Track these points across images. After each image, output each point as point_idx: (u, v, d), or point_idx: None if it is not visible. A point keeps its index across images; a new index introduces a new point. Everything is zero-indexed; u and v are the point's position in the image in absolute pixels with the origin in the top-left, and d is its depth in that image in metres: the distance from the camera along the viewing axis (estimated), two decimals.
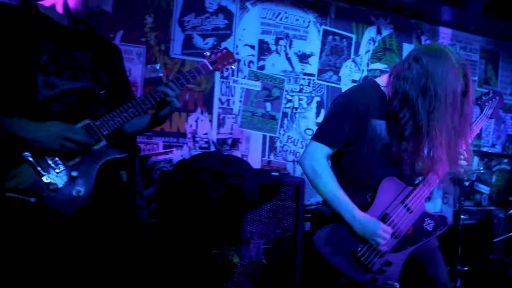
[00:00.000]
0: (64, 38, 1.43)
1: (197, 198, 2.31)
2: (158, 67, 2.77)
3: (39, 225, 1.33)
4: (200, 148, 2.90)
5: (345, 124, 1.55)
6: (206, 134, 2.91)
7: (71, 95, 1.42)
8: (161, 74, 2.77)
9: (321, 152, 1.56)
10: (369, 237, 1.49)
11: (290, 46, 3.16)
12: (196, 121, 2.88)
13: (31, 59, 1.33)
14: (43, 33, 1.38)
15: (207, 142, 2.92)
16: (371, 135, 1.55)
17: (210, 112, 2.92)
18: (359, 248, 1.52)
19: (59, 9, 1.43)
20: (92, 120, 1.41)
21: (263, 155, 3.10)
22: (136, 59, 2.71)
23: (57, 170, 1.34)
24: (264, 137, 3.10)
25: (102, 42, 1.61)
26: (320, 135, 1.59)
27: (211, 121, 2.92)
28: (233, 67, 1.75)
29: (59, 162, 1.35)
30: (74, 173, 1.35)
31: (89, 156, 1.39)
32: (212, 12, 2.91)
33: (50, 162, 1.33)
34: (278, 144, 3.15)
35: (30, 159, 1.30)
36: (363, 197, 1.58)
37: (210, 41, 2.90)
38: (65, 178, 1.34)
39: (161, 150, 2.80)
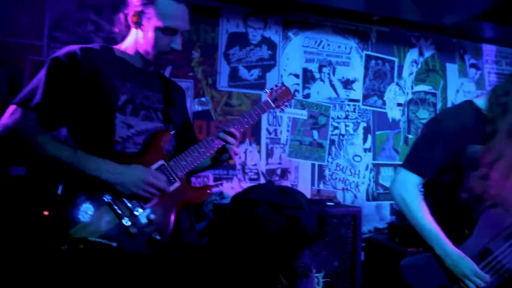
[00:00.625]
0: (138, 79, 1.46)
1: (253, 232, 2.25)
2: (206, 100, 2.79)
3: (118, 268, 1.30)
4: (250, 179, 2.86)
5: (437, 151, 1.45)
6: (255, 165, 2.88)
7: (145, 135, 1.42)
8: (209, 107, 2.79)
9: (411, 180, 1.48)
10: (460, 277, 1.38)
11: (333, 73, 3.14)
12: (245, 152, 2.86)
13: (111, 100, 1.35)
14: (120, 74, 1.41)
15: (256, 173, 2.88)
16: (469, 163, 1.43)
17: (258, 142, 2.89)
18: (449, 285, 1.41)
19: (131, 51, 1.47)
20: (165, 160, 1.39)
21: (312, 184, 3.03)
22: None
23: (136, 213, 1.32)
24: (313, 165, 3.04)
25: (169, 83, 1.64)
26: (410, 163, 1.51)
27: (259, 151, 2.90)
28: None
29: (137, 204, 1.33)
30: (152, 216, 1.33)
31: (165, 198, 1.37)
32: (256, 44, 2.94)
33: (129, 205, 1.32)
34: (327, 172, 3.08)
35: (111, 202, 1.29)
36: (460, 229, 1.47)
37: (255, 72, 2.91)
38: (143, 221, 1.32)
39: (211, 183, 2.77)
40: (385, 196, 3.22)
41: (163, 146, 1.43)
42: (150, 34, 1.39)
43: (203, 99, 2.79)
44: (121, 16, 1.47)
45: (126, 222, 1.29)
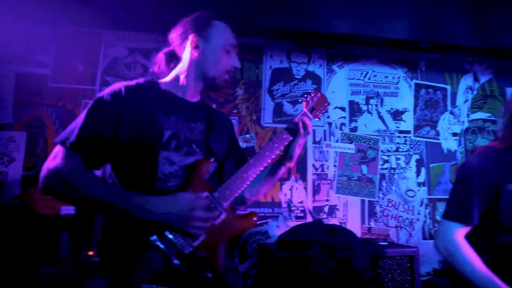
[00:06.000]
0: (183, 111, 1.43)
1: (303, 274, 2.13)
2: (250, 137, 2.77)
3: None
4: (296, 217, 2.76)
5: (474, 197, 1.36)
6: (301, 202, 2.78)
7: (186, 170, 1.37)
8: (253, 144, 2.76)
9: (452, 230, 1.38)
10: None
11: (381, 104, 3.02)
12: (291, 189, 2.77)
13: (156, 137, 1.33)
14: (165, 108, 1.39)
15: (302, 211, 2.78)
16: (509, 203, 1.32)
17: (304, 179, 2.81)
18: None
19: (183, 81, 1.46)
20: (209, 191, 1.34)
21: (362, 221, 2.87)
22: None
23: (185, 252, 1.26)
24: (363, 202, 2.89)
25: (213, 112, 1.60)
26: (449, 212, 1.43)
27: (305, 188, 2.80)
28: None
29: (185, 243, 1.27)
30: (201, 254, 1.27)
31: (213, 232, 1.30)
32: (300, 79, 2.91)
33: (177, 244, 1.26)
34: (378, 208, 2.90)
35: (158, 243, 1.24)
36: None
37: (300, 107, 2.87)
38: (193, 260, 1.26)
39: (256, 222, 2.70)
40: None
41: (205, 177, 1.37)
42: (214, 54, 1.41)
43: (247, 135, 2.77)
44: (160, 55, 1.50)
45: (175, 263, 1.24)
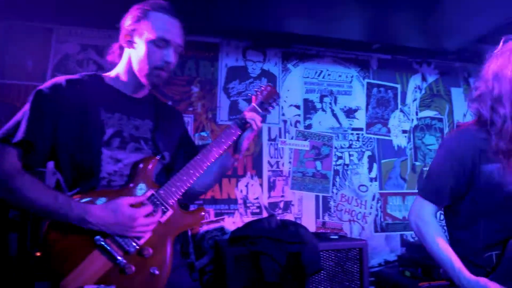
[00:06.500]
0: (128, 108, 1.39)
1: (253, 269, 2.17)
2: (206, 135, 2.79)
3: None
4: (252, 213, 2.80)
5: (449, 179, 1.39)
6: (257, 198, 2.83)
7: (133, 168, 1.35)
8: (209, 141, 2.78)
9: (425, 209, 1.43)
10: None
11: (335, 102, 3.12)
12: (247, 186, 2.82)
13: (97, 135, 1.30)
14: (108, 105, 1.35)
15: (258, 207, 2.83)
16: (486, 186, 1.35)
17: (260, 176, 2.86)
18: None
19: (123, 75, 1.41)
20: (154, 189, 1.33)
21: (317, 216, 2.95)
22: None
23: (130, 251, 1.25)
24: (317, 197, 2.97)
25: (162, 106, 1.56)
26: (424, 191, 1.46)
27: (261, 185, 2.85)
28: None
29: (130, 242, 1.25)
30: (147, 251, 1.26)
31: (159, 229, 1.30)
32: (256, 77, 2.96)
33: (122, 243, 1.24)
34: (332, 203, 3.00)
35: (102, 243, 1.22)
36: (485, 257, 1.35)
37: None
38: (139, 258, 1.25)
39: (212, 218, 2.73)
40: (394, 226, 3.11)
41: (151, 174, 1.35)
42: (143, 49, 1.33)
43: (203, 133, 2.79)
44: (116, 45, 1.42)
45: (121, 262, 1.23)
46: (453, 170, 1.40)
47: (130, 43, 1.36)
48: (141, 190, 1.32)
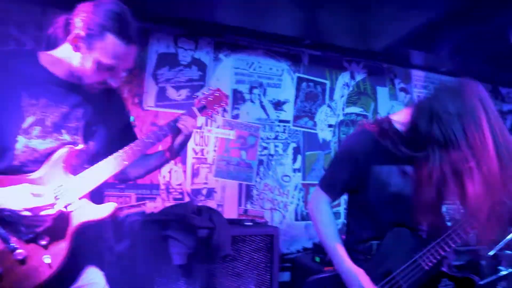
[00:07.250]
0: (57, 94, 1.31)
1: (162, 252, 2.24)
2: (131, 120, 2.78)
3: None
4: (174, 199, 2.86)
5: (343, 173, 1.53)
6: (180, 185, 2.88)
7: (48, 158, 1.30)
8: (134, 127, 2.78)
9: (321, 198, 1.56)
10: None
11: (264, 94, 3.21)
12: (170, 172, 2.86)
13: (15, 121, 1.23)
14: (34, 89, 1.26)
15: (181, 193, 2.88)
16: (375, 184, 1.48)
17: (183, 162, 2.91)
18: None
19: (59, 64, 1.30)
20: (65, 180, 1.29)
21: (239, 204, 3.06)
22: None
23: (25, 238, 1.24)
24: (240, 185, 3.07)
25: (100, 94, 1.42)
26: (322, 182, 1.59)
27: (185, 171, 2.91)
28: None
29: (26, 229, 1.23)
30: (43, 241, 1.25)
31: (60, 220, 1.27)
32: (186, 65, 2.98)
33: (19, 228, 1.23)
34: (254, 192, 3.11)
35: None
36: (367, 245, 1.50)
37: (184, 92, 2.95)
38: (33, 246, 1.24)
39: (134, 202, 2.75)
40: None
41: (66, 165, 1.31)
42: (89, 65, 1.26)
43: None
44: (62, 20, 1.29)
45: (13, 247, 1.20)
46: (347, 166, 1.53)
47: (77, 49, 1.28)
48: (52, 180, 1.29)
